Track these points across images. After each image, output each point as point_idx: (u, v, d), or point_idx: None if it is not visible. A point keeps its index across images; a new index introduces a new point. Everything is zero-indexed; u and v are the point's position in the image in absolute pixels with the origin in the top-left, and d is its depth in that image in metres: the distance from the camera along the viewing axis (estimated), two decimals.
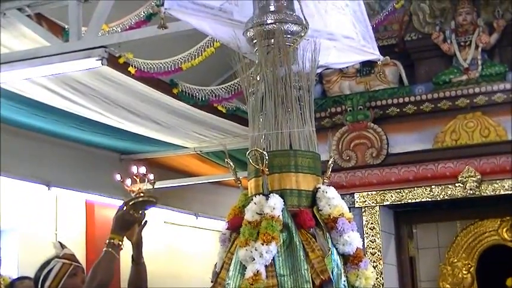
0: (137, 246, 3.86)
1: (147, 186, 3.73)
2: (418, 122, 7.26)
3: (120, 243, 3.64)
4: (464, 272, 8.96)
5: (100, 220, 9.44)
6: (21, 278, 5.31)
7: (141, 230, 3.81)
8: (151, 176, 3.75)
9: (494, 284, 8.64)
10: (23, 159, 8.40)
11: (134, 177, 3.77)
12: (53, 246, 4.06)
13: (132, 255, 3.87)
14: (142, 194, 3.71)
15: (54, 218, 8.94)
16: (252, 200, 2.99)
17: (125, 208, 3.69)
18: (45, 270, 3.87)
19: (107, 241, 3.64)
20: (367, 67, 7.45)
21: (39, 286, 3.88)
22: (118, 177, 3.87)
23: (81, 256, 8.38)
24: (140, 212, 3.75)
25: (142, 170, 3.78)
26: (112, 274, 3.68)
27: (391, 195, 7.33)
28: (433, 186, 7.21)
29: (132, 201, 3.68)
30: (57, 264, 3.89)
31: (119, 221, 3.70)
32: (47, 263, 3.92)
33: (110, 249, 3.62)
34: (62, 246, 3.99)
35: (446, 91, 7.13)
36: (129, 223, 3.74)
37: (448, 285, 8.96)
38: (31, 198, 8.62)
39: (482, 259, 8.97)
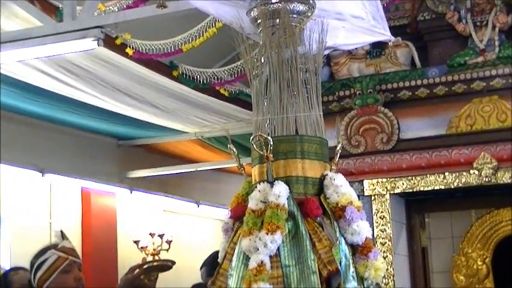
0: None
1: (162, 246, 3.72)
2: (431, 106, 7.25)
3: None
4: (479, 263, 8.98)
5: (96, 209, 9.47)
6: (16, 269, 5.32)
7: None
8: (169, 237, 3.74)
9: (510, 276, 8.66)
10: (15, 145, 8.43)
11: (150, 235, 3.77)
12: (54, 234, 4.08)
13: None
14: (157, 259, 3.70)
15: (48, 206, 8.98)
16: (256, 187, 3.00)
17: (136, 271, 3.69)
18: (40, 260, 3.89)
19: None
20: (377, 49, 7.44)
21: (33, 273, 3.91)
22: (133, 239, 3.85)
23: (76, 246, 8.42)
24: (152, 278, 3.75)
25: (155, 230, 3.76)
26: None
27: (402, 183, 7.34)
28: (446, 174, 7.21)
29: (146, 266, 3.68)
30: (52, 256, 3.90)
31: (127, 284, 3.71)
32: (43, 251, 3.93)
33: None
34: (63, 236, 4.00)
35: (461, 74, 7.12)
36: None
37: (462, 277, 8.99)
38: (24, 185, 8.64)
39: (498, 250, 8.99)
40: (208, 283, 4.41)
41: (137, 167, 10.17)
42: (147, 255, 3.49)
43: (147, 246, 3.64)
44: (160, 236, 3.67)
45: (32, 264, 3.94)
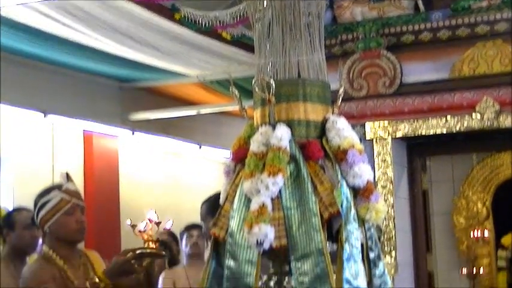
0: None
1: (157, 234, 3.70)
2: (434, 50, 7.24)
3: (103, 286, 3.65)
4: (480, 206, 9.05)
5: (98, 150, 9.50)
6: (19, 209, 5.36)
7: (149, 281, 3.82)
8: (168, 224, 3.73)
9: (510, 218, 8.73)
10: (18, 86, 8.42)
11: (148, 221, 3.75)
12: (59, 175, 4.10)
13: None
14: (152, 246, 3.69)
15: (50, 147, 9.00)
16: (258, 130, 3.02)
17: (129, 255, 3.69)
18: (44, 199, 3.91)
19: (93, 280, 3.65)
20: None
21: (36, 212, 3.94)
22: (128, 221, 3.84)
23: (78, 187, 8.48)
24: (143, 264, 3.74)
25: (154, 217, 3.74)
26: None
27: (404, 126, 7.36)
28: (448, 117, 7.23)
29: (140, 251, 3.68)
30: (56, 197, 3.92)
31: (116, 267, 3.71)
32: (48, 191, 3.95)
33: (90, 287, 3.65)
34: (68, 178, 4.01)
35: (465, 17, 7.09)
36: (125, 273, 3.75)
37: (462, 219, 9.06)
38: (26, 126, 8.66)
39: (498, 193, 9.05)
40: (209, 224, 4.46)
41: (139, 109, 10.17)
42: (145, 242, 3.56)
43: (145, 231, 3.69)
44: (157, 224, 3.72)
45: (35, 202, 3.97)
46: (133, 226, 3.83)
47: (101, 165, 9.53)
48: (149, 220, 3.73)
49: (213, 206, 4.53)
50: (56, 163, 8.92)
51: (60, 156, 9.01)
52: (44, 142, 8.93)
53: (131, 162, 10.10)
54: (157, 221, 3.78)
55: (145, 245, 3.68)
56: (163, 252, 3.70)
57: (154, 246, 3.65)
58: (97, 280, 3.64)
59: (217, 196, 4.78)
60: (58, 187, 3.96)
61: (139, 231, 3.69)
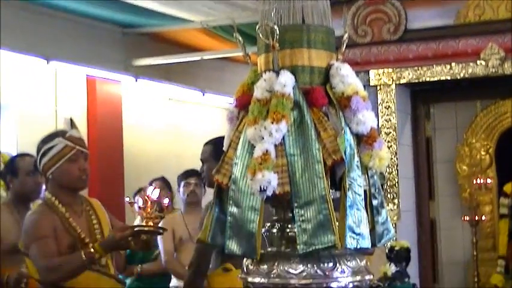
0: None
1: (156, 212, 3.68)
2: None
3: (98, 258, 3.66)
4: (483, 153, 9.06)
5: (102, 96, 9.48)
6: (22, 155, 5.36)
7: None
8: (165, 201, 3.70)
9: None
10: (20, 32, 8.38)
11: (146, 198, 3.72)
12: (63, 121, 4.08)
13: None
14: (151, 224, 3.67)
15: (53, 93, 8.98)
16: (262, 76, 3.00)
17: (127, 231, 3.67)
18: (47, 146, 3.90)
19: (90, 249, 3.67)
20: None
21: (39, 158, 3.92)
22: (127, 199, 3.82)
23: (82, 133, 8.47)
24: (140, 239, 3.74)
25: (156, 193, 3.71)
26: (74, 274, 3.71)
27: (409, 73, 7.33)
28: (453, 64, 7.20)
29: (138, 229, 3.66)
30: (59, 144, 3.90)
31: (113, 242, 3.72)
32: (51, 137, 3.93)
33: (85, 259, 3.64)
34: (72, 125, 3.99)
35: None
36: (120, 248, 3.81)
37: (465, 167, 9.08)
38: (29, 72, 8.64)
39: (501, 140, 9.05)
40: (209, 165, 4.47)
41: (142, 55, 10.13)
42: (143, 219, 3.54)
43: (145, 207, 3.67)
44: (154, 202, 3.70)
45: (38, 148, 3.95)
46: (131, 204, 3.83)
47: (104, 110, 9.51)
48: (148, 197, 3.71)
49: (215, 148, 4.55)
50: (59, 109, 8.91)
51: (63, 102, 9.00)
52: (47, 88, 8.91)
53: (134, 109, 10.09)
54: (155, 199, 3.75)
55: (144, 223, 3.67)
56: (161, 230, 3.68)
57: (152, 224, 3.64)
58: (92, 250, 3.65)
59: (220, 139, 4.81)
60: (62, 133, 3.94)
61: (139, 208, 3.68)
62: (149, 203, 3.62)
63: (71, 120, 4.04)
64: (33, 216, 3.91)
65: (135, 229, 3.68)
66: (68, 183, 3.88)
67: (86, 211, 3.96)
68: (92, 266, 3.78)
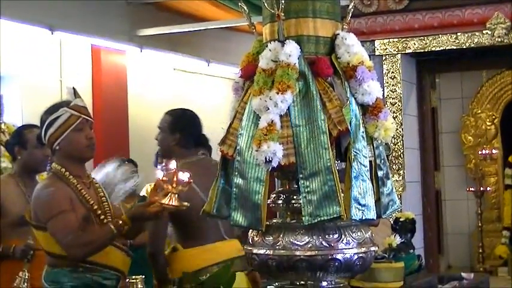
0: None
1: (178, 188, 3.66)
2: None
3: (126, 229, 3.68)
4: (488, 124, 9.04)
5: (106, 66, 9.45)
6: (30, 126, 5.31)
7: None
8: (185, 176, 3.66)
9: None
10: (25, 2, 8.33)
11: (170, 174, 3.69)
12: (66, 91, 4.04)
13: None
14: (174, 199, 3.65)
15: (58, 64, 8.95)
16: (267, 46, 2.97)
17: (153, 207, 3.67)
18: (52, 117, 3.86)
19: (119, 221, 3.68)
20: None
21: (44, 130, 3.89)
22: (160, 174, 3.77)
23: (87, 103, 8.43)
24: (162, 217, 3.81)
25: (186, 177, 3.68)
26: (102, 248, 3.73)
27: (414, 43, 7.29)
28: (458, 34, 7.15)
29: (166, 206, 3.65)
30: (64, 114, 3.87)
31: (140, 215, 3.73)
32: (56, 108, 3.89)
33: (115, 231, 3.65)
34: (75, 94, 3.96)
35: None
36: (145, 220, 3.82)
37: (470, 137, 9.06)
38: (34, 43, 8.61)
39: (507, 110, 9.02)
40: (163, 135, 4.47)
41: (147, 25, 10.09)
42: (167, 194, 3.55)
43: (167, 180, 3.65)
44: (180, 181, 3.68)
45: (43, 120, 3.92)
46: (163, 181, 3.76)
47: (109, 80, 9.49)
48: (175, 174, 3.67)
49: (173, 120, 4.54)
50: (64, 79, 8.88)
51: (68, 73, 8.97)
52: (52, 59, 8.88)
53: (139, 79, 10.07)
54: (182, 179, 3.72)
55: (168, 196, 3.66)
56: (185, 207, 3.68)
57: (176, 201, 3.64)
58: (121, 222, 3.66)
59: (182, 111, 4.78)
60: (66, 103, 3.91)
61: (162, 180, 3.65)
62: (175, 178, 3.60)
63: (74, 89, 4.00)
64: (47, 189, 3.86)
65: (163, 205, 3.67)
66: (76, 153, 3.86)
67: (93, 183, 3.96)
68: None
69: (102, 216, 3.82)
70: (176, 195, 3.61)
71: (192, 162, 4.44)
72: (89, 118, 3.93)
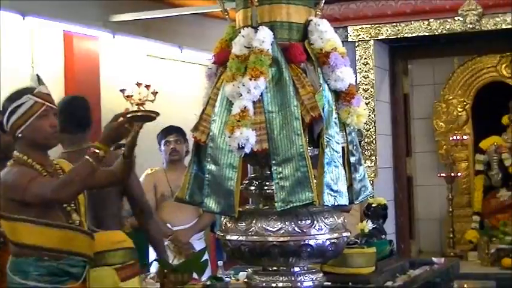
0: (131, 148, 3.88)
1: (147, 97, 3.63)
2: None
3: (104, 155, 3.61)
4: (460, 110, 9.07)
5: (79, 52, 9.37)
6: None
7: (136, 134, 3.81)
8: (155, 87, 3.63)
9: (489, 122, 8.76)
10: None
11: (137, 85, 3.66)
12: (30, 78, 3.98)
13: (124, 153, 3.87)
14: (142, 109, 3.62)
15: (30, 50, 8.87)
16: (240, 32, 2.96)
17: (121, 119, 3.64)
18: (15, 104, 3.80)
19: (91, 150, 3.61)
20: None
21: (6, 117, 3.82)
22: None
23: (60, 91, 8.37)
24: (136, 127, 3.73)
25: (143, 80, 3.66)
26: (87, 185, 3.68)
27: (387, 29, 7.30)
28: (431, 20, 7.17)
29: (131, 115, 3.61)
30: (28, 101, 3.80)
31: (111, 132, 3.68)
32: (19, 95, 3.83)
33: (92, 160, 3.59)
34: (40, 81, 3.90)
35: None
36: (121, 136, 3.74)
37: (442, 123, 9.09)
38: (5, 28, 8.51)
39: (478, 96, 9.06)
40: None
41: (120, 10, 10.02)
42: (132, 104, 3.46)
43: (132, 96, 3.63)
44: (147, 87, 3.67)
45: (5, 107, 3.84)
46: (122, 91, 3.75)
47: (82, 67, 9.41)
48: (137, 84, 3.67)
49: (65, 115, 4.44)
50: (36, 66, 8.80)
51: (40, 59, 8.89)
52: (23, 44, 8.79)
53: (112, 65, 10.00)
54: (146, 84, 3.72)
55: (137, 109, 3.65)
56: (154, 115, 3.66)
57: (144, 109, 3.62)
58: (95, 150, 3.60)
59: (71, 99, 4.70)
60: (29, 90, 3.85)
61: (127, 96, 3.63)
62: (140, 88, 3.59)
63: (38, 76, 3.93)
64: (11, 171, 3.81)
65: (129, 115, 3.65)
66: (40, 141, 3.80)
67: (56, 172, 3.87)
68: (69, 225, 3.74)
69: (92, 148, 3.73)
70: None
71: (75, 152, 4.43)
72: (53, 106, 3.87)
